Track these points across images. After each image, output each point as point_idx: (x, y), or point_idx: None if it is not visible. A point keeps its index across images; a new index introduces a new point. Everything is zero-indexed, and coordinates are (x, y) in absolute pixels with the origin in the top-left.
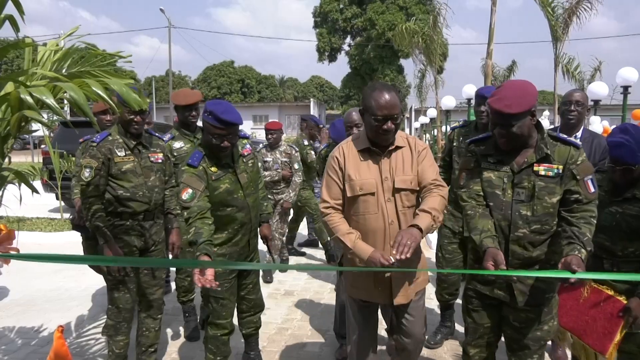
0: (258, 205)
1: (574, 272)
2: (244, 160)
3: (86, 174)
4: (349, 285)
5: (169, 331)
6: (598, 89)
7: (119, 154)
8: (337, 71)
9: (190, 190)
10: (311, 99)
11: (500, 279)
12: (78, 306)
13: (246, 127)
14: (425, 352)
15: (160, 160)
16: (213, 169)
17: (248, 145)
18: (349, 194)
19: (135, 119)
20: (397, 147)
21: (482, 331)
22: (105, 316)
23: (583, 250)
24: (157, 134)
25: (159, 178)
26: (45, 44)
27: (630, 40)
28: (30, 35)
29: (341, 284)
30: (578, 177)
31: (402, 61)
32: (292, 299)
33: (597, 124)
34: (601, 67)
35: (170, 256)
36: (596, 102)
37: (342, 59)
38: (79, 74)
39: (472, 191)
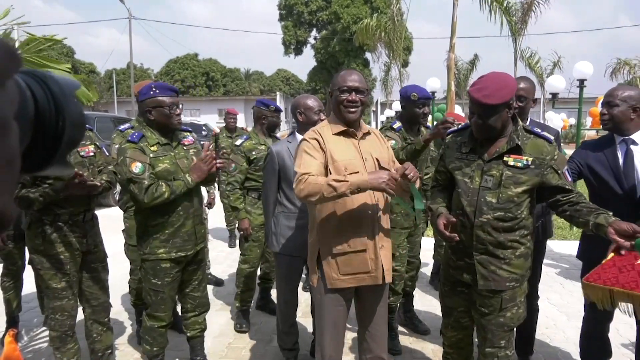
0: (200, 191)
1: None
2: (184, 148)
3: None
4: (333, 276)
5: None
6: (556, 82)
7: None
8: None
9: (139, 164)
10: (277, 93)
11: (467, 263)
12: (30, 310)
13: (211, 120)
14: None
15: (91, 154)
16: (153, 148)
17: (190, 137)
18: None
19: None
20: (366, 133)
21: (456, 315)
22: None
23: (612, 216)
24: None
25: (93, 173)
26: None
27: (587, 36)
28: None
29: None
30: (559, 171)
31: (368, 55)
32: (258, 295)
33: (557, 118)
34: (560, 62)
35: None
36: (554, 95)
37: (308, 52)
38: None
39: (437, 175)
